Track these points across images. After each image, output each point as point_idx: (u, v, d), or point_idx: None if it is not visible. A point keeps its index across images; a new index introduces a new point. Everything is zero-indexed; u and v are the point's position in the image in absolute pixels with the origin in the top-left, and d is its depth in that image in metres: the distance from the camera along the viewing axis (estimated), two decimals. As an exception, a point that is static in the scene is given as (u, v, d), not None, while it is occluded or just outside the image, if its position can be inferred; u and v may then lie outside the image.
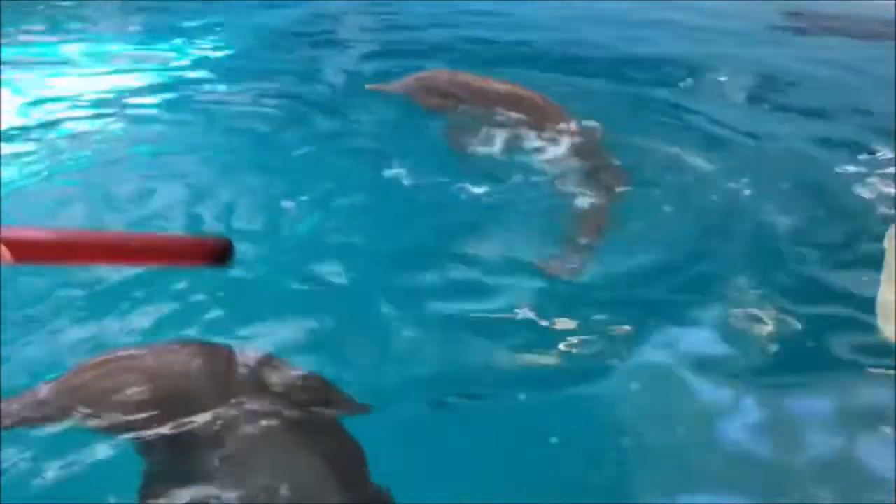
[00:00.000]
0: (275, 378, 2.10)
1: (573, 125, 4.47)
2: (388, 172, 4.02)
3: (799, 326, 2.90)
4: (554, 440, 2.34)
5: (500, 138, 4.43)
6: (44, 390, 2.04)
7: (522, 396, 2.53)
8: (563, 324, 2.89)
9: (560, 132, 4.43)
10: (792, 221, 3.71)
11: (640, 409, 2.51)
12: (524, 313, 2.93)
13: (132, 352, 2.16)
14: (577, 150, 4.31)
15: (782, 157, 4.52)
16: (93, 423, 1.98)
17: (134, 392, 1.98)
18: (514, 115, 4.63)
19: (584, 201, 3.87)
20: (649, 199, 3.86)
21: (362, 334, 2.81)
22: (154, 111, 5.01)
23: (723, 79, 6.02)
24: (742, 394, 2.58)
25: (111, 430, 1.98)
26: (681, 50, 6.85)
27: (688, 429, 2.45)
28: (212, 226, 3.44)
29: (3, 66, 5.82)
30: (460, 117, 4.67)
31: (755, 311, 2.97)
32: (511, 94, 4.80)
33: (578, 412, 2.50)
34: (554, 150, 4.33)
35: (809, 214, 3.79)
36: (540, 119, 4.56)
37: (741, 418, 2.49)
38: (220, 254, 1.01)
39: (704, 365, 2.68)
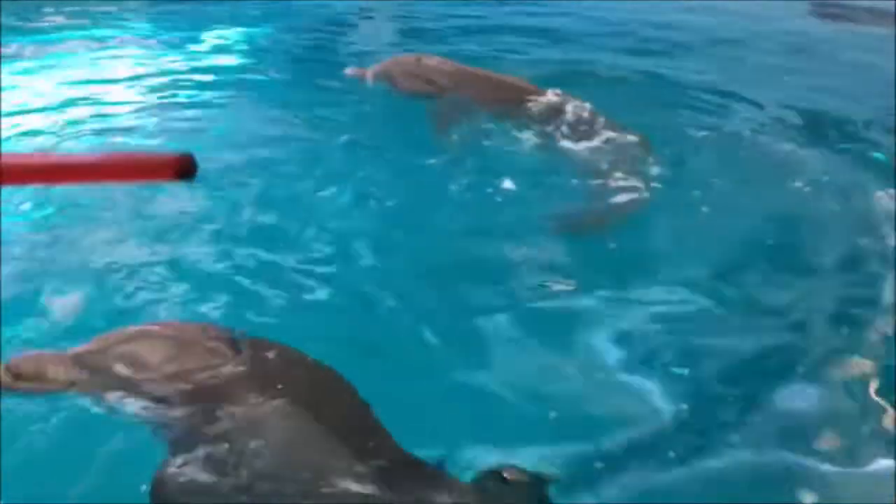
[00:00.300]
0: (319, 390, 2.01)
1: (565, 105, 4.41)
2: (410, 164, 4.01)
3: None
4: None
5: (488, 123, 4.37)
6: (66, 353, 2.04)
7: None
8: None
9: (550, 114, 4.39)
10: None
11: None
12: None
13: (158, 327, 2.14)
14: (574, 131, 4.25)
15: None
16: (109, 394, 1.96)
17: (156, 364, 1.96)
18: (497, 98, 4.59)
19: (605, 185, 3.79)
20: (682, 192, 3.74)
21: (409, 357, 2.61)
22: (174, 101, 5.01)
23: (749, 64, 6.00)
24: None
25: (127, 403, 1.95)
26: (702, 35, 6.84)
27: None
28: (244, 221, 3.38)
29: (31, 53, 5.88)
30: (441, 102, 4.58)
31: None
32: (489, 78, 4.76)
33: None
34: (548, 131, 4.29)
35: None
36: (524, 102, 4.50)
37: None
38: (183, 169, 1.04)
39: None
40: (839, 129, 4.77)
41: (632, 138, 4.15)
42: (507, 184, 3.73)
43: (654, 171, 3.87)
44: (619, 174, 3.83)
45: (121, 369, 1.97)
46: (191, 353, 2.00)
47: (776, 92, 5.31)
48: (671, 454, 2.23)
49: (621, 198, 3.67)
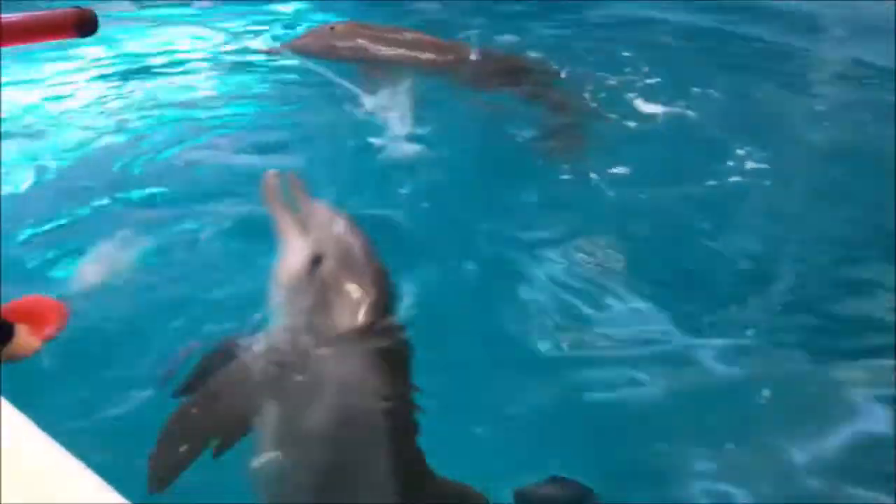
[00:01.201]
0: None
1: (482, 54, 4.70)
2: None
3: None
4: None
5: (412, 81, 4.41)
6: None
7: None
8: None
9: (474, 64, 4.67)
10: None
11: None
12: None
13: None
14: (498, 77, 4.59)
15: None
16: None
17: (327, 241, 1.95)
18: (424, 58, 4.80)
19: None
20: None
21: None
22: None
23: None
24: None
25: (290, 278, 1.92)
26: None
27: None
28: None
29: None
30: (371, 65, 4.73)
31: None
32: (417, 40, 4.92)
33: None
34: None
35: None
36: (456, 61, 4.73)
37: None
38: (82, 24, 1.12)
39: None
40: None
41: (552, 70, 4.57)
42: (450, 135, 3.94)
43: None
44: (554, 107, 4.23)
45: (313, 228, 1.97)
46: (360, 269, 1.93)
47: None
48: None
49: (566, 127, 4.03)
